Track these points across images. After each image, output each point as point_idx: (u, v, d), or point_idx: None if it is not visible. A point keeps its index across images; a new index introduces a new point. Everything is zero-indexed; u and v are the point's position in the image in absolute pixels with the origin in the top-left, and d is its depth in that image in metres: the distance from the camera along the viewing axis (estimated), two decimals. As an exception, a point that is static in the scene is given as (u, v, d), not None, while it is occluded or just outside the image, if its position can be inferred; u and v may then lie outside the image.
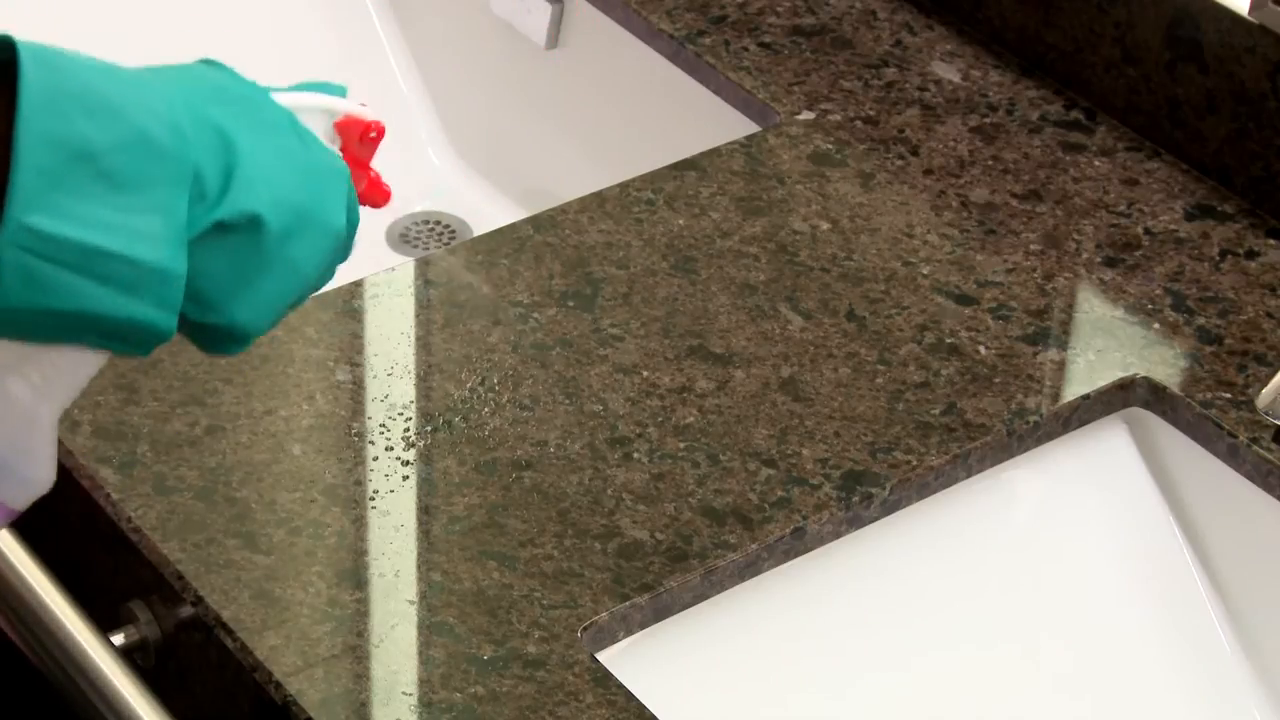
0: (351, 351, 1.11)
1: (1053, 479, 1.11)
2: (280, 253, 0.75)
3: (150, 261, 0.71)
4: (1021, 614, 1.10)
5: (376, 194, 0.83)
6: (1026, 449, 1.09)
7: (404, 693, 0.93)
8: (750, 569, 1.01)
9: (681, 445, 1.06)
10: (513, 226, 1.20)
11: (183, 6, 1.51)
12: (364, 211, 0.81)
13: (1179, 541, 1.12)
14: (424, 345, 1.12)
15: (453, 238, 1.46)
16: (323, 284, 0.79)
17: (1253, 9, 1.20)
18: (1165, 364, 1.12)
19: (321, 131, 0.81)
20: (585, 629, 0.96)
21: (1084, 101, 1.31)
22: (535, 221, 1.20)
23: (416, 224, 1.46)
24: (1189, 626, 1.11)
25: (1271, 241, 1.21)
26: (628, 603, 0.98)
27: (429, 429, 1.06)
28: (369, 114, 0.82)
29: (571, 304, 1.14)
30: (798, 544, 1.03)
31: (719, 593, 1.01)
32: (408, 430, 1.06)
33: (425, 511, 1.02)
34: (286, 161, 0.76)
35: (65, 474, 1.03)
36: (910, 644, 1.07)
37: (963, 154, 1.27)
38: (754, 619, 1.03)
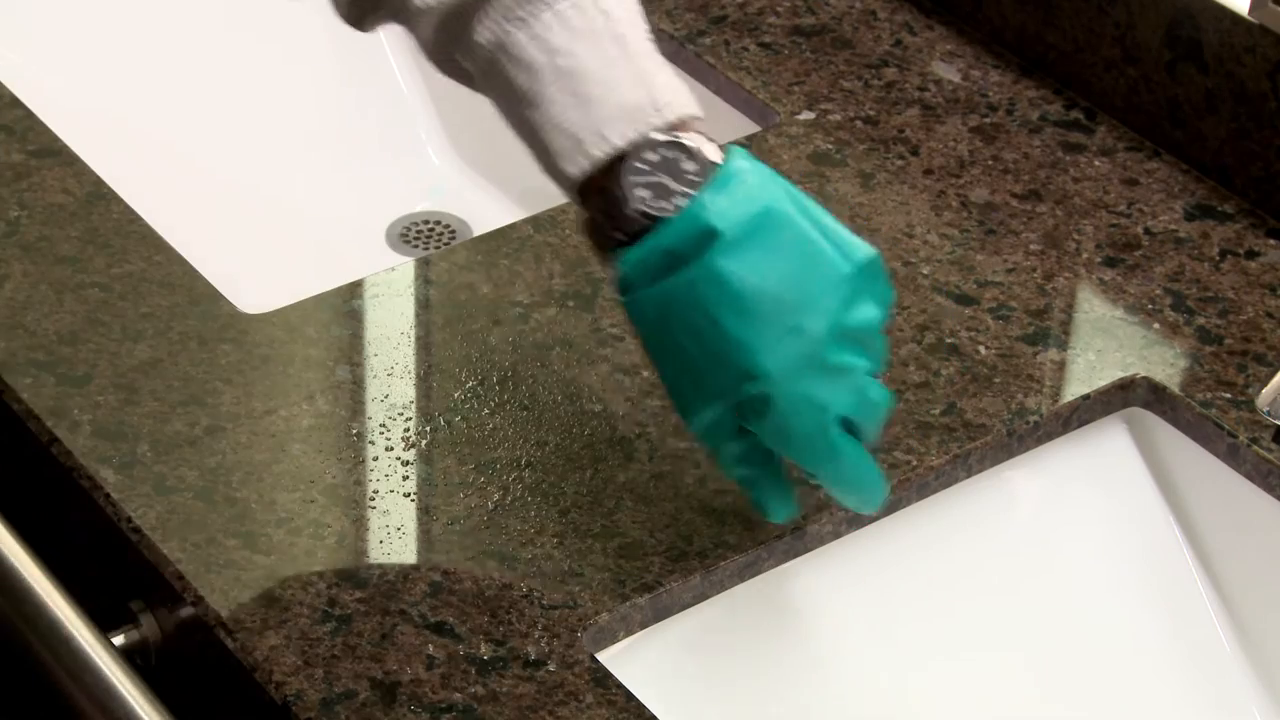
0: (351, 351, 1.11)
1: (1053, 479, 1.11)
2: None
3: None
4: (1021, 614, 1.09)
5: None
6: (1026, 449, 1.09)
7: (404, 693, 0.93)
8: (750, 569, 1.01)
9: (681, 445, 1.06)
10: (513, 226, 1.20)
11: (183, 8, 1.51)
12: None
13: (1179, 541, 1.12)
14: (424, 345, 1.12)
15: (453, 238, 1.45)
16: None
17: (1253, 9, 1.20)
18: (1165, 364, 1.12)
19: None
20: (585, 629, 0.96)
21: (1084, 101, 1.31)
22: (535, 221, 1.20)
23: (416, 224, 1.46)
24: (1189, 626, 1.11)
25: (1271, 241, 1.21)
26: (628, 603, 0.98)
27: (429, 429, 1.06)
28: None
29: (571, 304, 1.14)
30: (798, 544, 1.03)
31: (719, 593, 1.01)
32: (408, 430, 1.06)
33: (425, 511, 1.02)
34: None
35: (65, 474, 1.03)
36: (910, 644, 1.07)
37: (963, 154, 1.27)
38: (754, 619, 1.03)
